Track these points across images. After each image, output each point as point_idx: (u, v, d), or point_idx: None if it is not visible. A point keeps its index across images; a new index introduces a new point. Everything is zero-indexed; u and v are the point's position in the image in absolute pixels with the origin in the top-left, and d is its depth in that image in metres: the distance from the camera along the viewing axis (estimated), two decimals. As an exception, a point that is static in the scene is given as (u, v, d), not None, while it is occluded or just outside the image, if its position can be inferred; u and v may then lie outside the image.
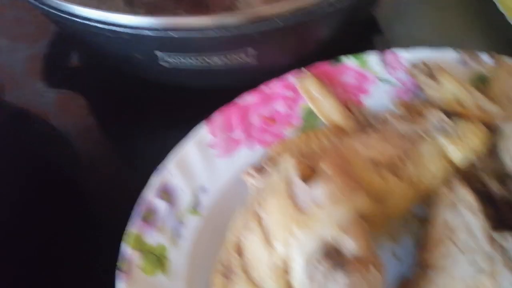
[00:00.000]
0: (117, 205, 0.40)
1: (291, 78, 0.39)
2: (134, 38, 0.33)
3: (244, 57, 0.36)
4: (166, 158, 0.36)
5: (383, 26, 0.50)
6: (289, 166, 0.29)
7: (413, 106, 0.37)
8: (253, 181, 0.34)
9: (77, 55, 0.55)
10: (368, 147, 0.32)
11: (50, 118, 0.50)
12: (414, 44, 0.42)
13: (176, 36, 0.32)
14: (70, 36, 0.43)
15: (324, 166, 0.28)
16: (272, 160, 0.35)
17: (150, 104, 0.46)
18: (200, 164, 0.37)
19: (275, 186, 0.28)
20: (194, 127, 0.38)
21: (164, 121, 0.45)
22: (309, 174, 0.29)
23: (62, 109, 0.52)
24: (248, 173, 0.35)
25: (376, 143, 0.32)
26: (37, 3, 0.36)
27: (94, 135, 0.50)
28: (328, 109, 0.38)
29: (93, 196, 0.43)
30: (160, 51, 0.35)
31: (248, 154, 0.38)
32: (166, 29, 0.32)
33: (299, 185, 0.27)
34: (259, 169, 0.34)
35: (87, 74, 0.54)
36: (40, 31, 0.59)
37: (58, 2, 0.34)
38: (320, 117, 0.38)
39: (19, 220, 0.40)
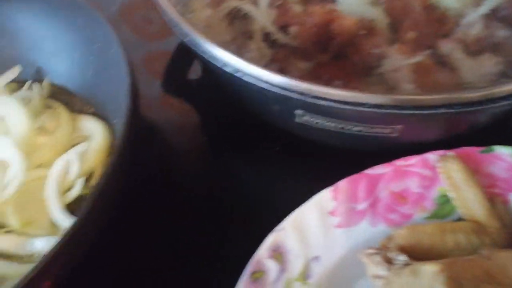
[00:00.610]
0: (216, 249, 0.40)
1: (432, 156, 0.36)
2: (280, 97, 0.31)
3: (388, 131, 0.33)
4: (284, 218, 0.35)
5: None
6: (435, 282, 0.26)
7: None
8: (375, 269, 0.31)
9: (198, 67, 0.56)
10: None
11: (151, 111, 0.51)
12: None
13: (325, 105, 0.30)
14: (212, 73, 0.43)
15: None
16: (400, 249, 0.32)
17: (270, 143, 0.45)
18: (318, 231, 0.35)
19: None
20: (317, 190, 0.36)
21: (281, 168, 0.44)
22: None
23: (164, 106, 0.53)
24: (370, 257, 0.32)
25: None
26: (195, 49, 0.35)
27: (196, 148, 0.50)
28: (470, 201, 0.34)
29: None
30: (302, 111, 0.33)
31: (369, 230, 0.35)
32: (316, 97, 0.30)
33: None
34: (385, 257, 0.32)
35: (205, 89, 0.54)
36: (163, 31, 0.61)
37: (213, 50, 0.34)
38: (458, 207, 0.34)
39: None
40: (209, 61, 0.35)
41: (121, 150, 0.32)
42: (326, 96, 0.30)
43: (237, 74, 0.32)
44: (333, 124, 0.34)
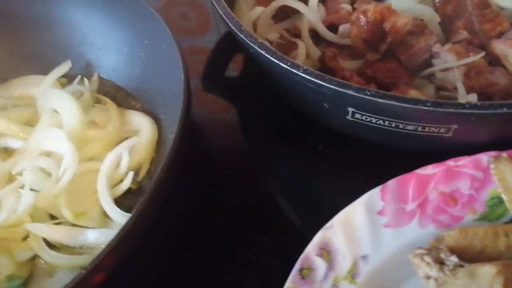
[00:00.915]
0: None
1: (484, 158, 0.35)
2: (335, 94, 0.31)
3: (443, 131, 0.33)
4: (332, 216, 0.35)
5: None
6: (494, 283, 0.25)
7: None
8: (426, 269, 0.31)
9: (237, 64, 0.56)
10: None
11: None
12: None
13: (384, 102, 0.30)
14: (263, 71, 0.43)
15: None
16: (449, 250, 0.32)
17: (314, 141, 0.45)
18: (366, 230, 0.34)
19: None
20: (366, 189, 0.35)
21: (327, 166, 0.44)
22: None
23: (201, 102, 0.53)
24: (421, 258, 0.32)
25: None
26: (252, 44, 0.35)
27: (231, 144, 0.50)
28: (523, 204, 0.33)
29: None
30: (355, 109, 0.33)
31: (417, 231, 0.35)
32: (375, 95, 0.30)
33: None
34: (435, 257, 0.31)
35: (246, 87, 0.55)
36: (200, 27, 0.61)
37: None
38: (511, 210, 0.34)
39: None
40: (265, 56, 0.35)
41: (177, 147, 0.33)
42: (386, 94, 0.30)
43: (295, 70, 0.32)
44: (386, 123, 0.34)
